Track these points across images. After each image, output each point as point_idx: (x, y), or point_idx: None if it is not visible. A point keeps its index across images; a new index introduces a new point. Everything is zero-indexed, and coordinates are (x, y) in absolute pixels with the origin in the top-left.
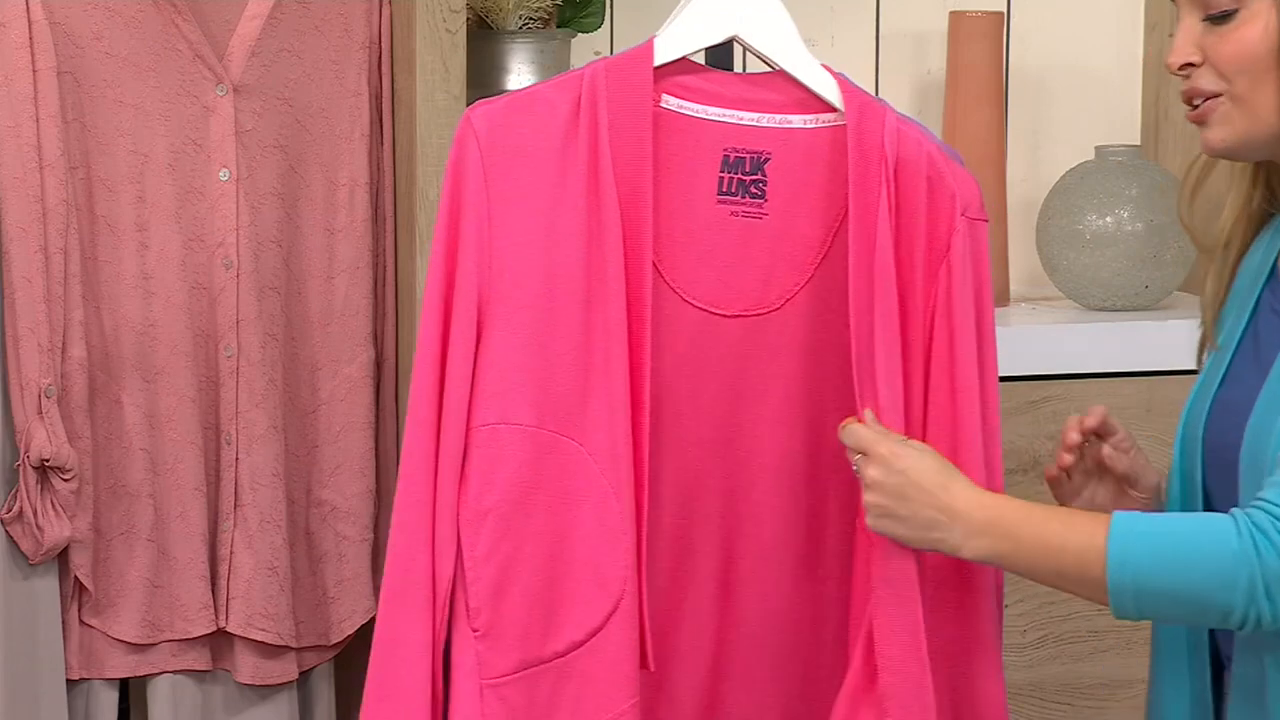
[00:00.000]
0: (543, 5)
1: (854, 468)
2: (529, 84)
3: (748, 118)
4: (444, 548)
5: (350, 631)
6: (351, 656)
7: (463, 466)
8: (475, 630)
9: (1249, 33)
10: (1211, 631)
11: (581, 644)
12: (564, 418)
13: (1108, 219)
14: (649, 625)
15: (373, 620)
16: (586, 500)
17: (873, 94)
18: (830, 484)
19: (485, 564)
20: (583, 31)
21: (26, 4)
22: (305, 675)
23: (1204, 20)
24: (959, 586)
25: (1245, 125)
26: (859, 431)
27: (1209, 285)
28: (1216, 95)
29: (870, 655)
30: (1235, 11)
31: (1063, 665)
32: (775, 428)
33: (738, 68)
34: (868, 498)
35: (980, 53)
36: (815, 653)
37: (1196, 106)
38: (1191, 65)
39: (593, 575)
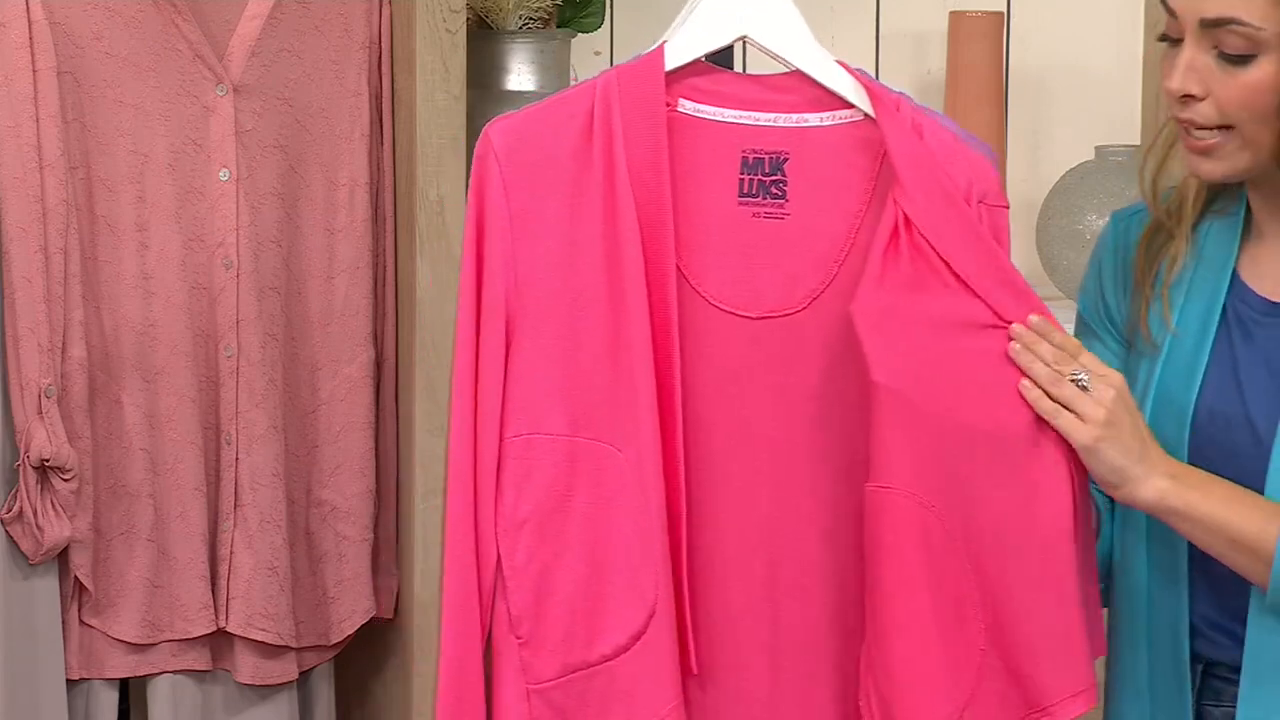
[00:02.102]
0: (543, 5)
1: (1073, 375)
2: (529, 84)
3: (764, 118)
4: (485, 559)
5: (350, 631)
6: (351, 656)
7: (498, 477)
8: (519, 638)
9: (1261, 78)
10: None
11: (627, 648)
12: (598, 424)
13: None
14: (692, 628)
15: (372, 620)
16: (623, 505)
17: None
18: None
19: (524, 572)
20: (583, 31)
21: (26, 4)
22: (305, 675)
23: (1217, 57)
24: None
25: (1248, 161)
26: (1094, 360)
27: (1177, 260)
28: (1219, 128)
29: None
30: (1254, 57)
31: None
32: (806, 425)
33: (737, 68)
34: (1099, 410)
35: (980, 53)
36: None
37: (1194, 135)
38: (1192, 97)
39: (631, 580)
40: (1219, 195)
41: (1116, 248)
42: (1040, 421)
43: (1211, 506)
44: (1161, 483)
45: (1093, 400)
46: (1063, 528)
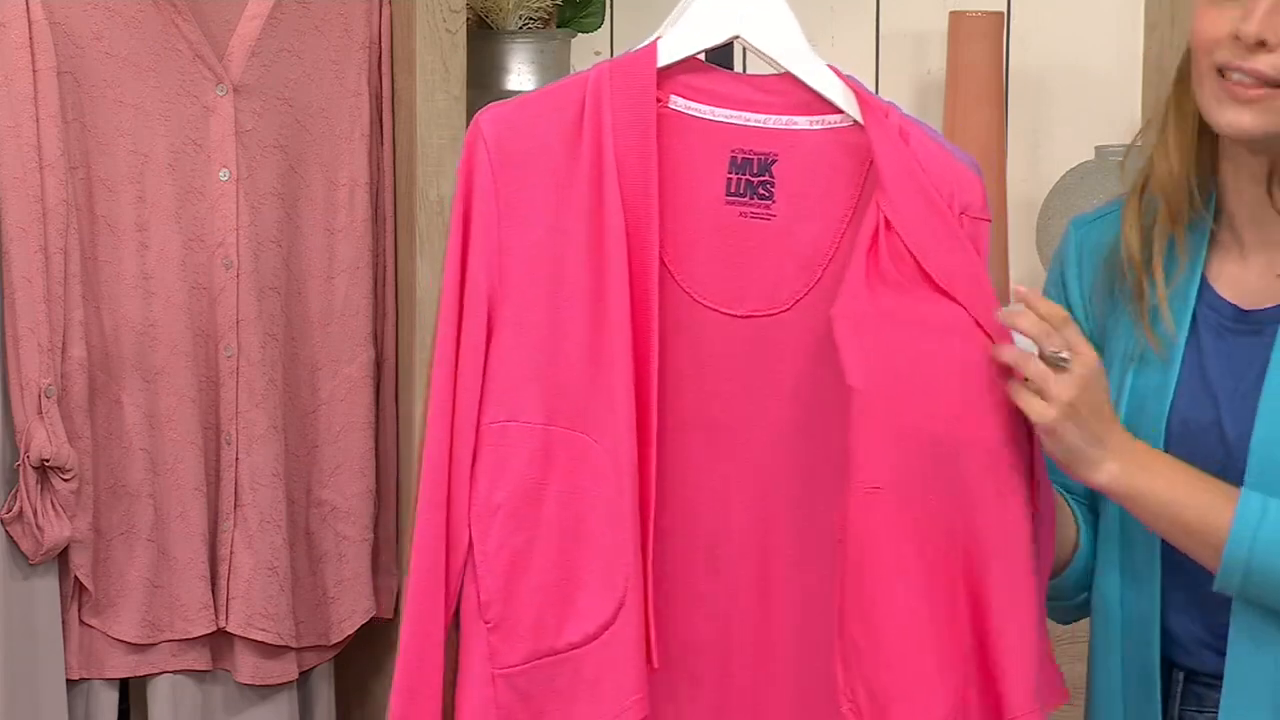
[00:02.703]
0: (543, 5)
1: (1052, 353)
2: (529, 84)
3: (754, 119)
4: (455, 543)
5: (350, 631)
6: (351, 656)
7: (474, 463)
8: (487, 623)
9: None
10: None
11: (594, 637)
12: (576, 415)
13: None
14: (655, 622)
15: (372, 620)
16: (597, 496)
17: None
18: (839, 484)
19: (496, 558)
20: (583, 31)
21: (26, 4)
22: (305, 675)
23: None
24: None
25: None
26: (1075, 334)
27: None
28: (1273, 85)
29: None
30: None
31: (1063, 665)
32: (784, 425)
33: (737, 68)
34: (1065, 391)
35: (980, 53)
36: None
37: (1236, 78)
38: (1264, 45)
39: (602, 570)
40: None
41: (1081, 255)
42: (1016, 430)
43: (1161, 491)
44: (1113, 467)
45: (1061, 381)
46: (1025, 544)
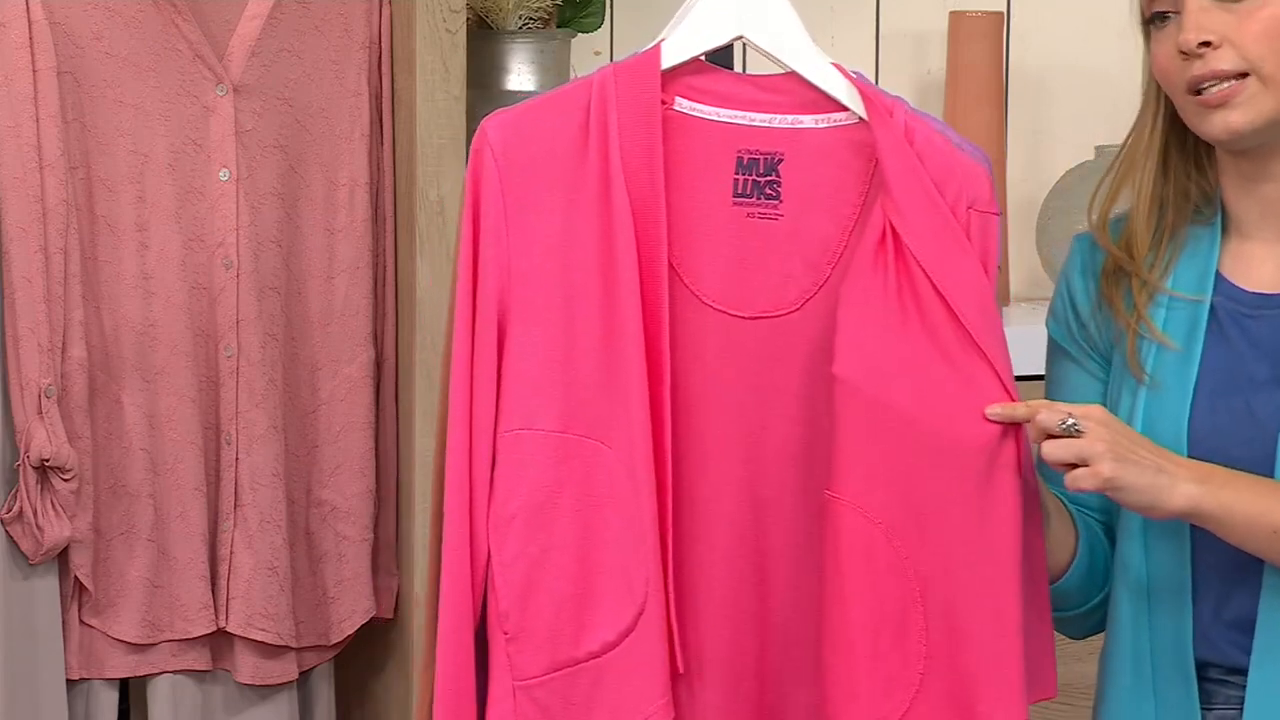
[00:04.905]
0: (543, 5)
1: (1061, 426)
2: (529, 84)
3: (759, 119)
4: (477, 554)
5: (350, 631)
6: (351, 656)
7: (492, 472)
8: (506, 633)
9: (1276, 9)
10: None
11: (615, 645)
12: (590, 422)
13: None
14: (677, 627)
15: (372, 620)
16: (612, 502)
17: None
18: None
19: (512, 568)
20: (583, 31)
21: (26, 4)
22: (305, 675)
23: (1222, 6)
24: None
25: (1273, 105)
26: (1060, 406)
27: (1143, 291)
28: (1240, 76)
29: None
30: None
31: (1063, 665)
32: (796, 427)
33: (737, 68)
34: (1101, 445)
35: (980, 53)
36: None
37: (1207, 89)
38: (1208, 45)
39: (620, 577)
40: (1179, 213)
41: (1085, 270)
42: (998, 445)
43: (1247, 504)
44: (1189, 488)
45: (1087, 440)
46: (1010, 555)
